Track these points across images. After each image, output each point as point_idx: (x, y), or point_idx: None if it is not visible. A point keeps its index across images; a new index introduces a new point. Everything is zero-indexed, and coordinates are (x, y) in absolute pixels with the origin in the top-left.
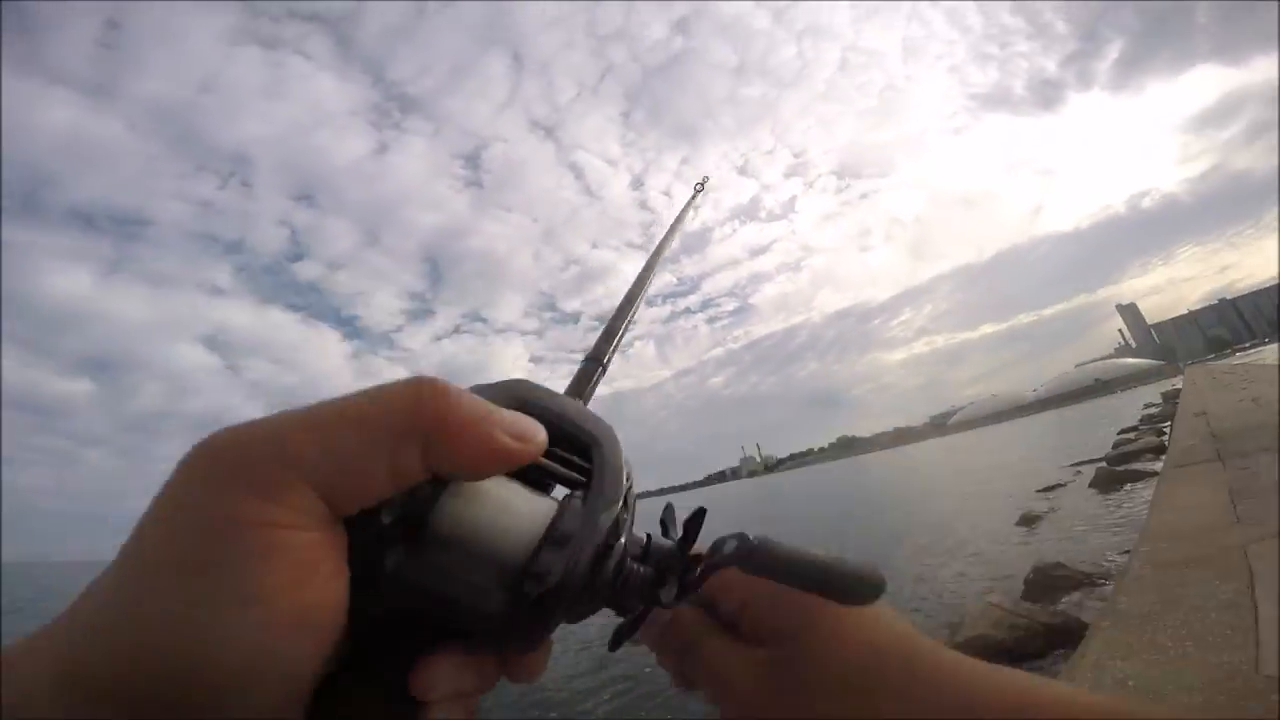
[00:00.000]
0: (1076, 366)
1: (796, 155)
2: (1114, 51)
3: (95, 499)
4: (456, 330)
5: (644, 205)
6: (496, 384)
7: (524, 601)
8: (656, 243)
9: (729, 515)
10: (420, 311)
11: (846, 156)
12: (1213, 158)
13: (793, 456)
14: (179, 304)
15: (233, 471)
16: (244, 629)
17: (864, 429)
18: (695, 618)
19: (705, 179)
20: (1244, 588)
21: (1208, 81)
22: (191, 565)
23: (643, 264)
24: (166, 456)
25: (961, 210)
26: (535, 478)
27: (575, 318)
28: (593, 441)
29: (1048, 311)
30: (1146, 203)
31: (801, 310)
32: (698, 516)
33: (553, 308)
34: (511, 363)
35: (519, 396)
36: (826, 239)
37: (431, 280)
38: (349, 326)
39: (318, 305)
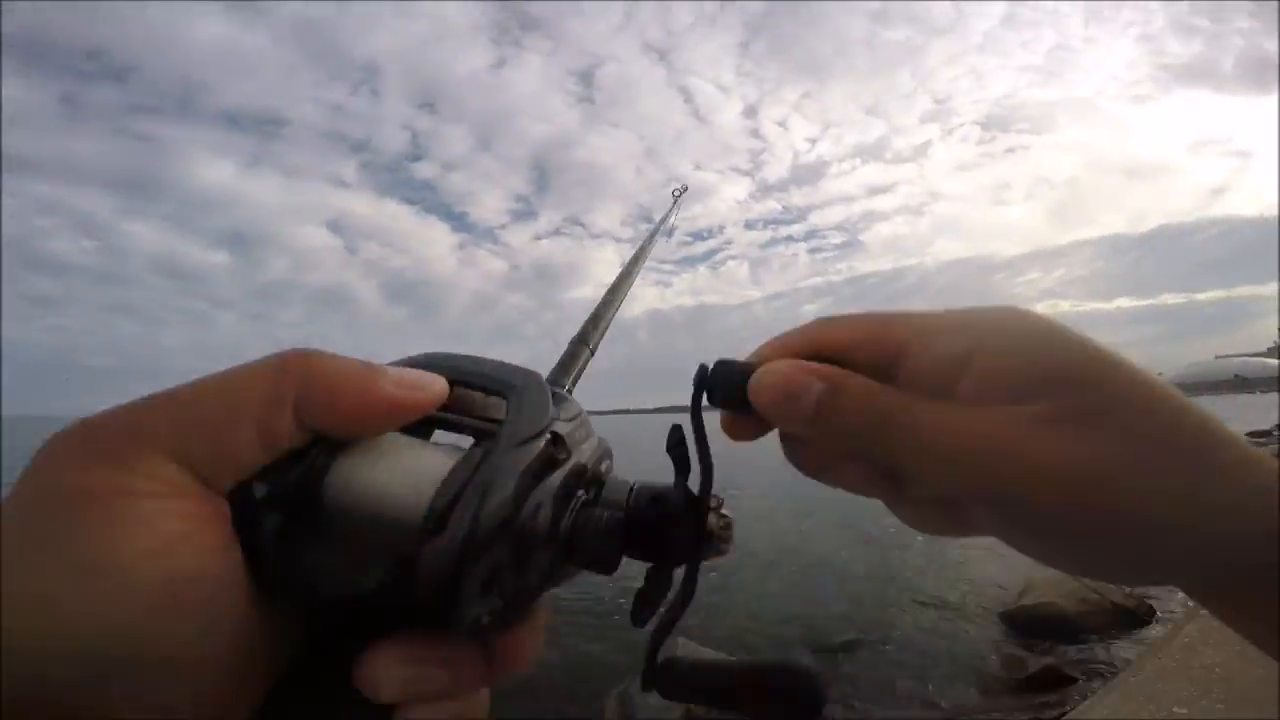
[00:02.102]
0: (1216, 358)
1: (938, 101)
2: None
3: (226, 357)
4: (556, 232)
5: (755, 134)
6: (406, 358)
7: (421, 566)
8: (640, 243)
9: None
10: (523, 212)
11: (996, 109)
12: None
13: None
14: (308, 192)
15: (84, 446)
16: (100, 603)
17: None
18: (874, 383)
19: (684, 187)
20: None
21: None
22: (38, 539)
23: (630, 256)
24: (289, 322)
25: (1123, 179)
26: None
27: (670, 232)
28: (507, 389)
29: (1201, 296)
30: None
31: (915, 254)
32: (679, 449)
33: (649, 220)
34: (605, 267)
35: (426, 361)
36: (958, 188)
37: (537, 186)
38: (457, 221)
39: (430, 200)
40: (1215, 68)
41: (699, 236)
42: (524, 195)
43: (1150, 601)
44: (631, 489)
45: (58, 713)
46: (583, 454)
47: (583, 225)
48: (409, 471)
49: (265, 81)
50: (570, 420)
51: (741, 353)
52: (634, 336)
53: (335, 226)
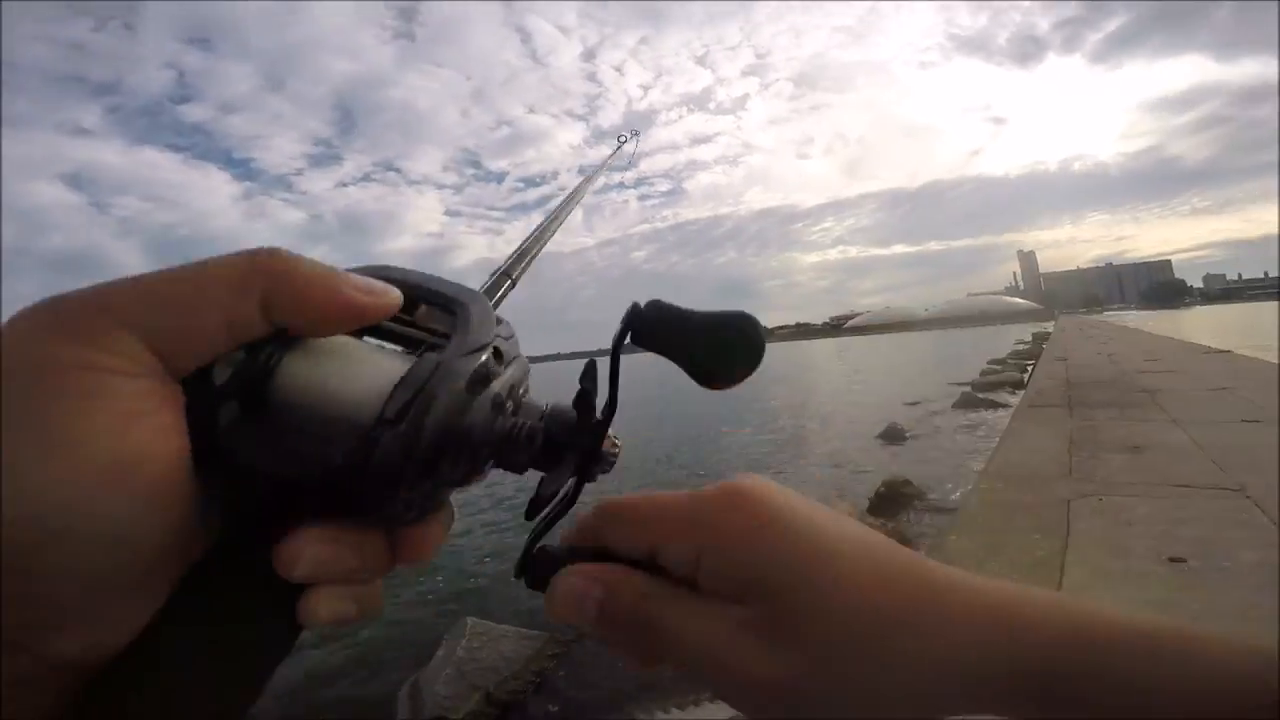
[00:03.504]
0: (968, 295)
1: (760, 56)
2: (1113, 25)
3: None
4: (366, 178)
5: (592, 78)
6: (356, 267)
7: (374, 448)
8: (575, 184)
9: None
10: (325, 157)
11: (809, 68)
12: (1153, 139)
13: None
14: (35, 144)
15: (51, 322)
16: (57, 473)
17: (769, 320)
18: (639, 581)
19: (635, 131)
20: (1059, 547)
21: (1186, 71)
22: (4, 408)
23: (564, 195)
24: (24, 295)
25: (904, 139)
26: (396, 343)
27: (500, 177)
28: (456, 304)
29: (957, 243)
30: (1077, 166)
31: (730, 202)
32: (589, 376)
33: (476, 165)
34: (425, 214)
35: (377, 272)
36: (769, 141)
37: (341, 128)
38: (241, 168)
39: (203, 146)
40: (991, 40)
41: (531, 183)
42: (324, 138)
43: (915, 536)
44: (546, 407)
45: None
46: (514, 370)
47: (398, 170)
48: (368, 365)
49: None
50: (507, 339)
51: (576, 299)
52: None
53: (75, 181)
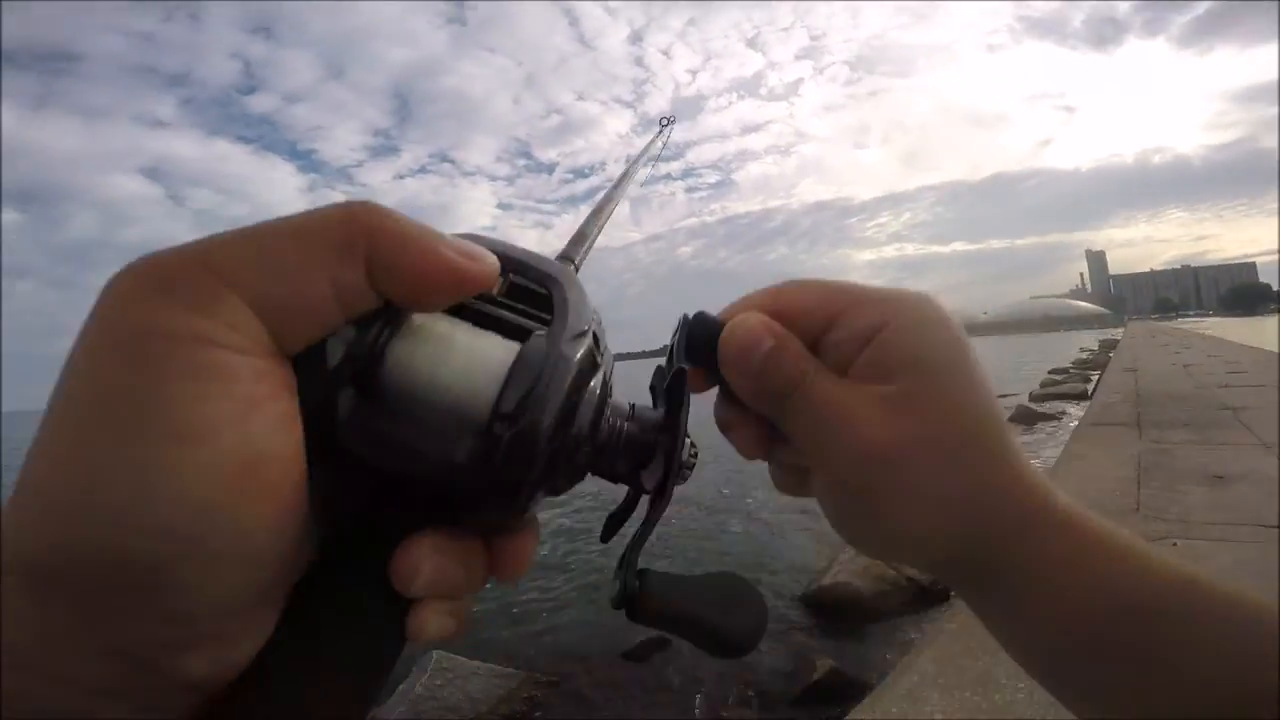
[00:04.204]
0: (1031, 298)
1: (814, 38)
2: (1202, 7)
3: (32, 335)
4: (422, 169)
5: (639, 62)
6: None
7: (496, 447)
8: (624, 170)
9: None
10: (384, 148)
11: (866, 50)
12: (1242, 130)
13: None
14: (115, 136)
15: (157, 284)
16: (185, 472)
17: None
18: (806, 350)
19: (673, 117)
20: None
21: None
22: (116, 395)
23: (610, 183)
24: (100, 286)
25: (968, 127)
26: (491, 325)
27: (550, 168)
28: (550, 281)
29: (1021, 241)
30: (1156, 160)
31: (782, 195)
32: (679, 379)
33: (527, 155)
34: (478, 207)
35: (468, 239)
36: (823, 129)
37: (399, 117)
38: (304, 160)
39: (270, 137)
40: (1066, 22)
41: (580, 174)
42: (383, 129)
43: None
44: (630, 407)
45: (128, 597)
46: (609, 362)
47: (453, 162)
48: (477, 352)
49: (43, 14)
50: (598, 322)
51: (624, 296)
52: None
53: (154, 173)
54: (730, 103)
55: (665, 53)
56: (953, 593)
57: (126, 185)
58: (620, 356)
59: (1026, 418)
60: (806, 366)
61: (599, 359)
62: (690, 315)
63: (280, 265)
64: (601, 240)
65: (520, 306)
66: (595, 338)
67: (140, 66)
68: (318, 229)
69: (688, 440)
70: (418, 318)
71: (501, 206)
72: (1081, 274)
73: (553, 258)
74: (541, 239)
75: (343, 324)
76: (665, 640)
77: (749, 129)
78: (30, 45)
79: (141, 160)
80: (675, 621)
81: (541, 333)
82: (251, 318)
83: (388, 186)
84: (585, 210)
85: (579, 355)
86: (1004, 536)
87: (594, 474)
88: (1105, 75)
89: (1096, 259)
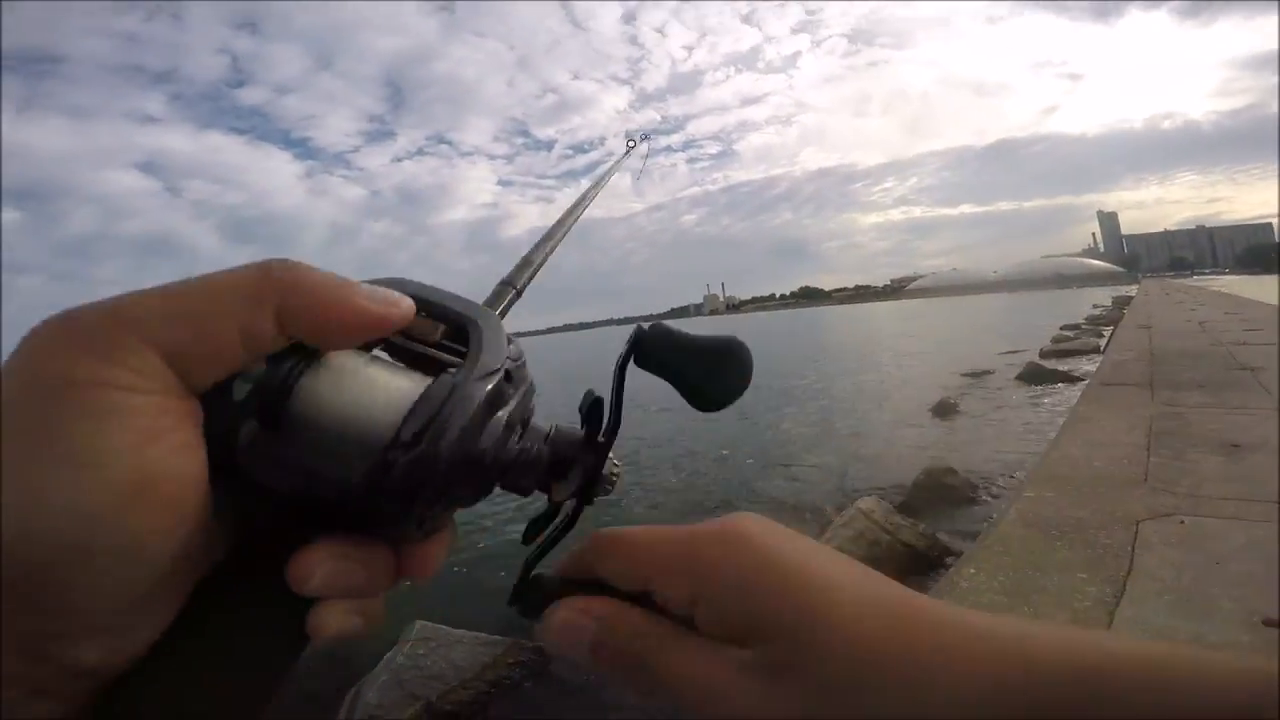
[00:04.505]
0: (1043, 258)
1: (810, 12)
2: None
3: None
4: (420, 152)
5: (634, 40)
6: (371, 279)
7: (390, 471)
8: (582, 192)
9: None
10: (379, 133)
11: (864, 23)
12: (1252, 97)
13: (755, 300)
14: (106, 133)
15: (70, 336)
16: (78, 492)
17: (826, 283)
18: (635, 618)
19: (642, 136)
20: (1111, 596)
21: None
22: (23, 427)
23: (569, 205)
24: (108, 278)
25: (970, 95)
26: (417, 363)
27: (549, 145)
28: (469, 322)
29: (1029, 204)
30: (1166, 125)
31: (784, 163)
32: (596, 405)
33: (525, 134)
34: (477, 185)
35: (392, 284)
36: (823, 99)
37: (392, 104)
38: (300, 147)
39: (263, 128)
40: None
41: (580, 149)
42: (378, 115)
43: (946, 543)
44: (550, 429)
45: (20, 592)
46: (523, 390)
47: (450, 143)
48: (384, 386)
49: (22, 17)
50: (516, 360)
51: (628, 264)
52: (520, 257)
53: (149, 167)
54: (728, 76)
55: (660, 30)
56: (948, 560)
57: (123, 180)
58: (623, 320)
59: (1035, 376)
60: (642, 646)
61: (509, 394)
62: (644, 327)
63: (187, 316)
64: (601, 213)
65: (438, 344)
66: (509, 374)
67: (125, 66)
68: (230, 284)
69: (609, 458)
70: (335, 355)
71: (502, 184)
72: (1094, 234)
73: (496, 283)
74: (544, 212)
75: (251, 363)
76: None
77: (748, 101)
78: (11, 49)
79: (136, 155)
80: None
81: (452, 371)
82: (158, 363)
83: (386, 169)
84: (585, 183)
85: (485, 391)
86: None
87: (502, 488)
88: (1108, 45)
89: (1109, 219)
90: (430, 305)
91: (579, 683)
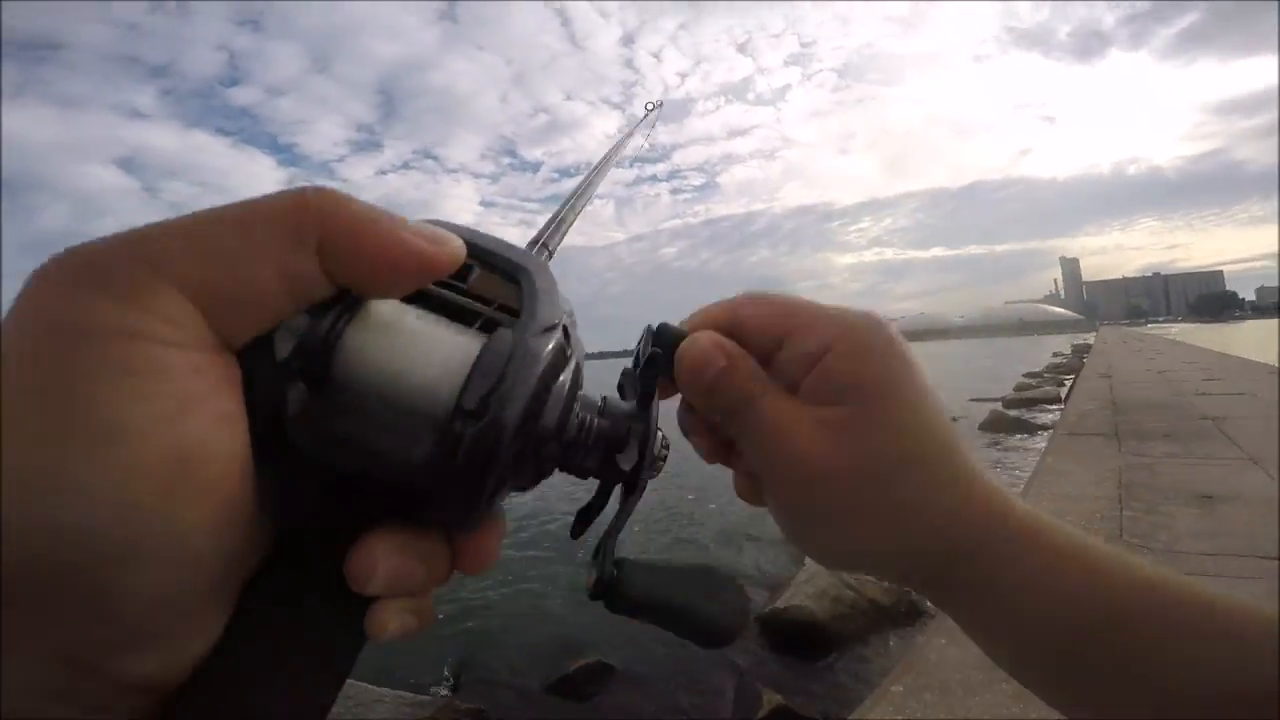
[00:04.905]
0: (1006, 304)
1: (804, 45)
2: (1186, 21)
3: None
4: (405, 166)
5: (629, 64)
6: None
7: (457, 446)
8: (609, 150)
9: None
10: (366, 143)
11: (856, 58)
12: (1218, 142)
13: None
14: (92, 126)
15: (84, 275)
16: (112, 474)
17: None
18: (755, 365)
19: (660, 102)
20: None
21: (1259, 71)
22: (39, 393)
23: (590, 166)
24: None
25: (951, 135)
26: (457, 315)
27: (535, 166)
28: (520, 270)
29: (999, 248)
30: (1131, 170)
31: (765, 198)
32: (650, 368)
33: (513, 153)
34: (460, 204)
35: (435, 225)
36: (809, 134)
37: (383, 113)
38: (285, 153)
39: (250, 130)
40: (1052, 34)
41: (565, 173)
42: (367, 124)
43: (914, 600)
44: (604, 400)
45: (53, 597)
46: (578, 355)
47: (435, 158)
48: (438, 344)
49: (30, 4)
50: (571, 317)
51: (605, 294)
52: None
53: (129, 164)
54: (718, 106)
55: (656, 55)
56: (918, 618)
57: (101, 176)
58: (599, 355)
59: (1000, 425)
60: (754, 388)
61: (569, 352)
62: (654, 326)
63: (221, 254)
64: (583, 240)
65: (490, 296)
66: (565, 331)
67: (123, 56)
68: (265, 215)
69: (659, 433)
70: (376, 306)
71: (484, 204)
72: (1056, 280)
73: (524, 244)
74: (525, 236)
75: (293, 313)
76: (607, 668)
77: (735, 133)
78: (14, 35)
79: (117, 151)
80: (655, 610)
81: (509, 325)
82: (189, 310)
83: (369, 182)
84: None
85: (548, 350)
86: (953, 555)
87: (563, 470)
88: (1087, 86)
89: (1070, 265)
90: (479, 250)
91: None
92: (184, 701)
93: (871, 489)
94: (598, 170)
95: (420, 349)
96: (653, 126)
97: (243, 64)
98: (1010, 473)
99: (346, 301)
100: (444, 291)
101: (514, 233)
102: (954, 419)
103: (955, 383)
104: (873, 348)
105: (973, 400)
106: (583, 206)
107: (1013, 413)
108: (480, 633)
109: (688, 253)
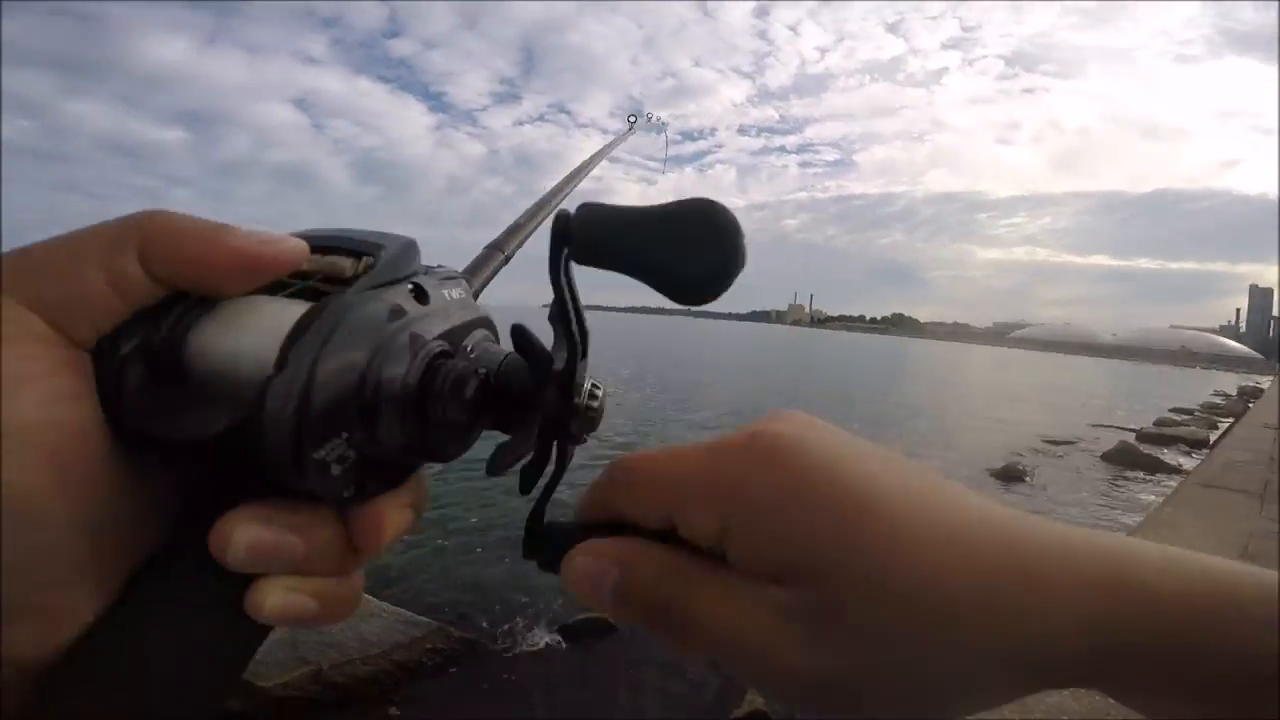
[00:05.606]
0: (1171, 327)
1: (966, 29)
2: None
3: None
4: (540, 118)
5: (763, 35)
6: (296, 231)
7: (265, 409)
8: (586, 159)
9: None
10: (507, 95)
11: (1027, 46)
12: None
13: (841, 317)
14: (273, 70)
15: None
16: None
17: (922, 313)
18: (659, 558)
19: (638, 115)
20: None
21: None
22: None
23: (566, 173)
24: (249, 198)
25: (1137, 137)
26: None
27: (660, 128)
28: (370, 247)
29: (1175, 265)
30: None
31: (906, 181)
32: (521, 335)
33: (638, 112)
34: (586, 156)
35: (307, 233)
36: (964, 121)
37: (523, 69)
38: (435, 101)
39: (406, 79)
40: (1274, 38)
41: (689, 136)
42: (509, 78)
43: None
44: (503, 356)
45: None
46: (451, 317)
47: (569, 113)
48: (263, 322)
49: None
50: (442, 280)
51: None
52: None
53: (302, 104)
54: (861, 84)
55: (793, 29)
56: None
57: (278, 113)
58: (710, 315)
59: (1125, 457)
60: (667, 589)
61: (410, 306)
62: (570, 212)
63: (50, 267)
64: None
65: (347, 279)
66: (420, 290)
67: (300, 9)
68: (93, 232)
69: (587, 383)
70: (227, 303)
71: (609, 160)
72: (1238, 309)
73: (491, 243)
74: (644, 193)
75: (127, 313)
76: (609, 627)
77: (880, 112)
78: None
79: (291, 92)
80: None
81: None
82: (27, 315)
83: (507, 131)
84: (690, 171)
85: (371, 304)
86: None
87: (429, 427)
88: None
89: (1261, 296)
90: (329, 239)
91: (510, 684)
92: (57, 680)
93: (873, 692)
94: (569, 180)
95: (254, 328)
96: (661, 134)
97: (401, 18)
98: (1125, 512)
99: (189, 302)
100: (298, 282)
101: (634, 189)
102: (1070, 441)
103: (1080, 401)
104: (787, 498)
105: (1094, 425)
106: (544, 218)
107: (1145, 448)
108: (492, 571)
109: (811, 226)
